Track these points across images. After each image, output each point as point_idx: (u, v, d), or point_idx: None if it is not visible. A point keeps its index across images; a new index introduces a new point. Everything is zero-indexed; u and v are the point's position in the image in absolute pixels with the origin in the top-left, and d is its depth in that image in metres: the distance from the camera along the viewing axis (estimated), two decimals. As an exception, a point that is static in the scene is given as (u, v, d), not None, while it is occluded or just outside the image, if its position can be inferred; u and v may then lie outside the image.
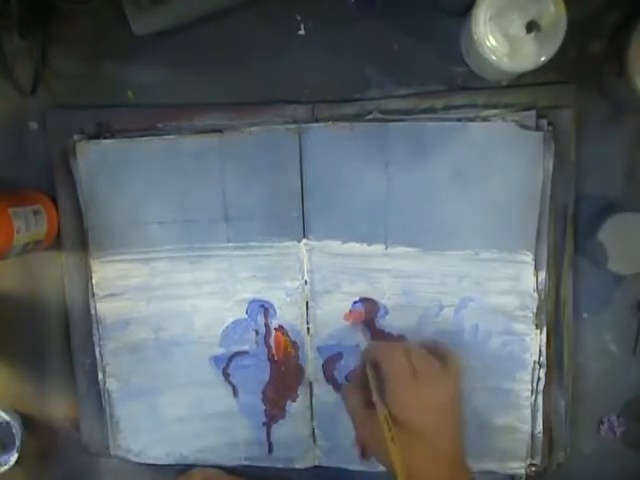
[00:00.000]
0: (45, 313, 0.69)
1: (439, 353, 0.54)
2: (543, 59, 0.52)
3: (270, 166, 0.63)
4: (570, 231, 0.61)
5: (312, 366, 0.65)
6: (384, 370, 0.52)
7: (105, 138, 0.64)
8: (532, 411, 0.63)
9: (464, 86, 0.62)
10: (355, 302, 0.64)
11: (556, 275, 0.62)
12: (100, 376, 0.67)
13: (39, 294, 0.68)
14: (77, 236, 0.66)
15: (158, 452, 0.68)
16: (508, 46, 0.52)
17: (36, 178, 0.66)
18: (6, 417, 0.67)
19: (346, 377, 0.65)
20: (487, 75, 0.60)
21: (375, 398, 0.52)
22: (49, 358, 0.69)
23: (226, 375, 0.66)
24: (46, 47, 0.64)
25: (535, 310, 0.62)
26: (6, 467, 0.67)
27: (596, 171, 0.61)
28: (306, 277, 0.64)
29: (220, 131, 0.63)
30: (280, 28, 0.62)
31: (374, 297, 0.64)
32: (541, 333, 0.62)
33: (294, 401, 0.66)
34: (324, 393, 0.65)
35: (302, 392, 0.66)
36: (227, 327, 0.66)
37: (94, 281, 0.66)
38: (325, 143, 0.62)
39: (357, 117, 0.62)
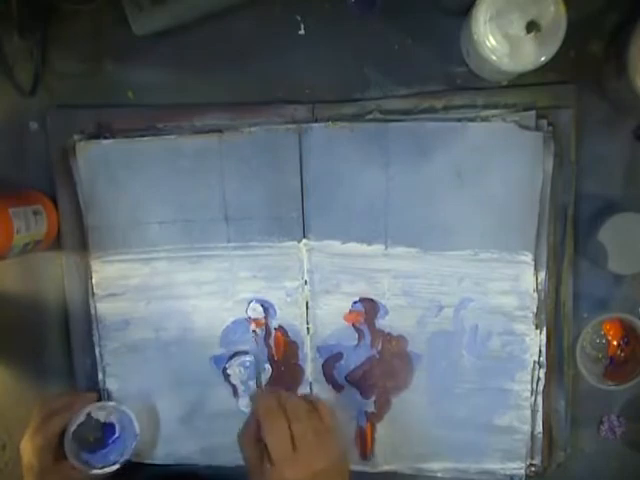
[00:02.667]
0: (45, 313, 0.69)
1: (316, 408, 0.55)
2: (543, 59, 0.52)
3: (270, 166, 0.63)
4: (570, 231, 0.61)
5: (312, 366, 0.65)
6: (266, 439, 0.52)
7: (105, 138, 0.64)
8: (532, 411, 0.63)
9: (464, 86, 0.62)
10: (355, 302, 0.64)
11: (556, 275, 0.62)
12: (100, 376, 0.67)
13: (39, 294, 0.68)
14: (77, 236, 0.66)
15: (158, 452, 0.68)
16: (508, 46, 0.52)
17: (36, 178, 0.66)
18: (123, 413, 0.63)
19: (346, 377, 0.65)
20: (487, 75, 0.60)
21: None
22: (49, 358, 0.69)
23: (226, 375, 0.66)
24: (46, 47, 0.64)
25: (535, 310, 0.62)
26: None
27: (596, 171, 0.61)
28: (306, 277, 0.64)
29: (220, 131, 0.63)
30: (280, 28, 0.62)
31: (374, 297, 0.64)
32: (541, 333, 0.62)
33: (294, 401, 0.66)
34: (324, 393, 0.65)
35: (302, 392, 0.66)
36: (227, 327, 0.66)
37: (94, 281, 0.66)
38: (325, 143, 0.62)
39: (357, 117, 0.62)
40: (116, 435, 0.64)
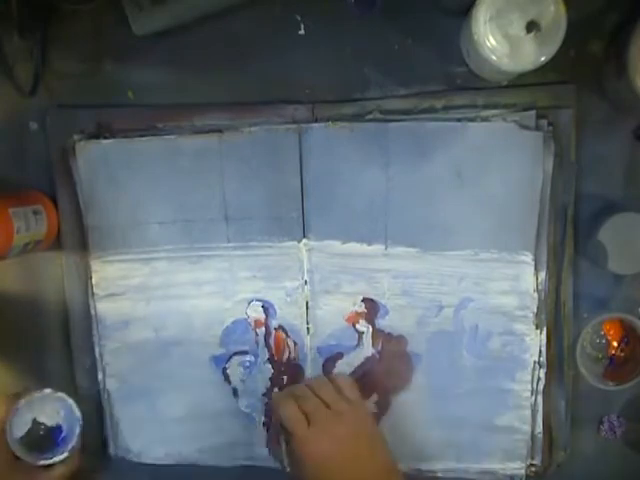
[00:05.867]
0: (45, 313, 0.69)
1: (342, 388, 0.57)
2: (543, 59, 0.52)
3: (270, 166, 0.63)
4: (570, 231, 0.61)
5: (312, 366, 0.65)
6: (283, 426, 0.55)
7: (105, 138, 0.64)
8: (532, 411, 0.63)
9: (464, 86, 0.62)
10: (359, 302, 0.64)
11: (556, 275, 0.62)
12: (100, 376, 0.67)
13: (39, 294, 0.68)
14: (77, 236, 0.66)
15: (158, 452, 0.68)
16: (508, 46, 0.52)
17: (36, 178, 0.66)
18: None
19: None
20: (487, 75, 0.60)
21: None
22: (49, 358, 0.69)
23: (226, 375, 0.66)
24: (46, 47, 0.64)
25: (535, 310, 0.62)
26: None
27: (596, 171, 0.61)
28: (306, 277, 0.64)
29: (220, 131, 0.63)
30: (280, 28, 0.62)
31: (374, 297, 0.64)
32: (541, 333, 0.62)
33: (294, 401, 0.66)
34: (324, 393, 0.65)
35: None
36: (227, 327, 0.66)
37: (94, 281, 0.66)
38: (325, 143, 0.62)
39: (357, 117, 0.62)
40: (63, 434, 0.62)
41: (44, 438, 0.62)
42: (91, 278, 0.66)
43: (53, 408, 0.62)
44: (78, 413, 0.61)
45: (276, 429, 0.57)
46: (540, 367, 0.62)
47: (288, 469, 0.61)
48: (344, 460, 0.53)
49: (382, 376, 0.65)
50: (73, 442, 0.61)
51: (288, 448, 0.56)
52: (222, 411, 0.67)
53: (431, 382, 0.64)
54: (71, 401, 0.62)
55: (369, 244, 0.63)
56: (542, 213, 0.60)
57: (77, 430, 0.61)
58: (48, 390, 0.62)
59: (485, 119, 0.60)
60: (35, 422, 0.61)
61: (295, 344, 0.65)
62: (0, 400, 0.60)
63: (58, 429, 0.62)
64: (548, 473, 0.65)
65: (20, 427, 0.60)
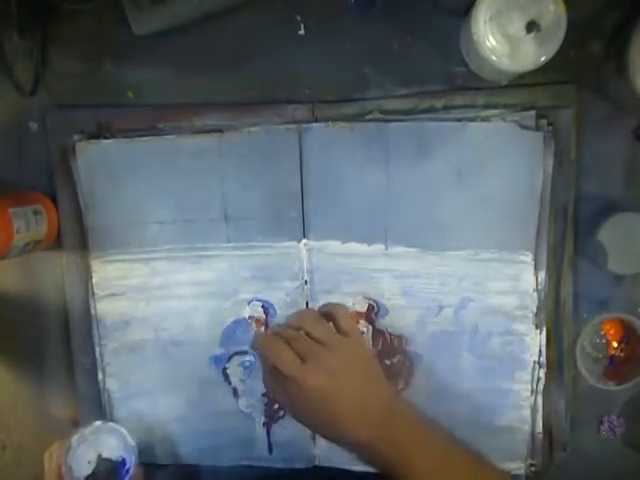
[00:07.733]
0: (45, 313, 0.69)
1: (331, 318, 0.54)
2: (543, 59, 0.52)
3: (270, 166, 0.63)
4: (570, 231, 0.61)
5: (312, 366, 0.65)
6: (275, 365, 0.51)
7: (105, 138, 0.64)
8: (532, 411, 0.63)
9: (464, 86, 0.62)
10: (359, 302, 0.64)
11: (556, 275, 0.62)
12: (100, 376, 0.67)
13: (39, 294, 0.68)
14: (77, 236, 0.66)
15: (158, 452, 0.68)
16: (508, 46, 0.52)
17: (36, 178, 0.67)
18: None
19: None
20: (487, 75, 0.60)
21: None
22: (49, 358, 0.69)
23: (226, 375, 0.66)
24: (46, 47, 0.64)
25: (535, 310, 0.62)
26: None
27: (596, 171, 0.61)
28: (306, 277, 0.64)
29: (220, 131, 0.63)
30: (280, 28, 0.62)
31: (374, 297, 0.64)
32: (541, 333, 0.62)
33: (294, 401, 0.66)
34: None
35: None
36: (227, 327, 0.66)
37: (94, 281, 0.66)
38: (325, 143, 0.62)
39: (357, 117, 0.62)
40: (127, 466, 0.62)
41: (109, 473, 0.62)
42: (91, 278, 0.66)
43: (111, 441, 0.62)
44: (132, 441, 0.62)
45: (266, 370, 0.52)
46: (540, 367, 0.63)
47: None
48: (341, 391, 0.50)
49: (382, 376, 0.65)
50: (131, 472, 0.61)
51: (284, 390, 0.52)
52: (222, 411, 0.67)
53: (431, 382, 0.64)
54: (124, 430, 0.62)
55: (369, 244, 0.63)
56: (542, 213, 0.61)
57: (133, 458, 0.62)
58: (98, 423, 0.62)
59: (485, 119, 0.61)
60: (100, 459, 0.62)
61: (295, 344, 0.65)
62: (55, 446, 0.61)
63: (122, 462, 0.62)
64: (548, 473, 0.65)
65: (83, 466, 0.61)
